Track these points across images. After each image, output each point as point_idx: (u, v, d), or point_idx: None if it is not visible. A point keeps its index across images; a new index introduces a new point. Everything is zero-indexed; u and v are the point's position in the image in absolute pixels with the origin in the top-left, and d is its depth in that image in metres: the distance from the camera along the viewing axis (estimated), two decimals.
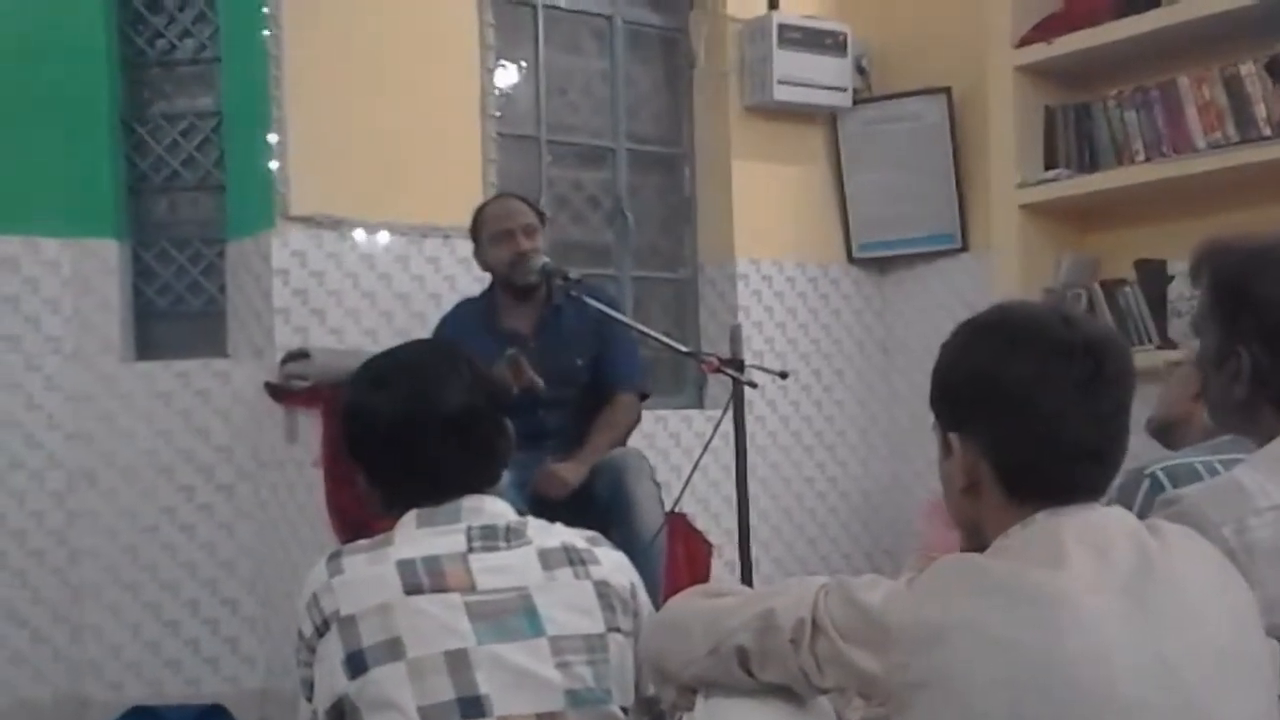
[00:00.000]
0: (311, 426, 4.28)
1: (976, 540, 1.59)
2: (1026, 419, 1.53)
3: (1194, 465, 2.22)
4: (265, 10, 4.43)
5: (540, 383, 3.68)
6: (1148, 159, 4.67)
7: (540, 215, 4.05)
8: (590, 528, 2.11)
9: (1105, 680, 1.42)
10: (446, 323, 4.08)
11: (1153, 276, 4.73)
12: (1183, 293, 4.57)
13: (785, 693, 1.60)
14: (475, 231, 4.05)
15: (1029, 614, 1.43)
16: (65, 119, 4.51)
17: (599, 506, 3.69)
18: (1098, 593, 1.45)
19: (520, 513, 2.05)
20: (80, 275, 4.54)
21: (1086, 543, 1.49)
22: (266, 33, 4.43)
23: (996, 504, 1.57)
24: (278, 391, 4.38)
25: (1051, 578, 1.46)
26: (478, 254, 4.05)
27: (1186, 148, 4.58)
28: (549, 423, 3.87)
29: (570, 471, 3.76)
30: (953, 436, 1.60)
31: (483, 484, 2.02)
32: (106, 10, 4.63)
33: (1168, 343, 4.59)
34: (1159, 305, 4.70)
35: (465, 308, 4.12)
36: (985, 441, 1.57)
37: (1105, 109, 4.80)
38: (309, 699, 1.96)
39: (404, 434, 1.99)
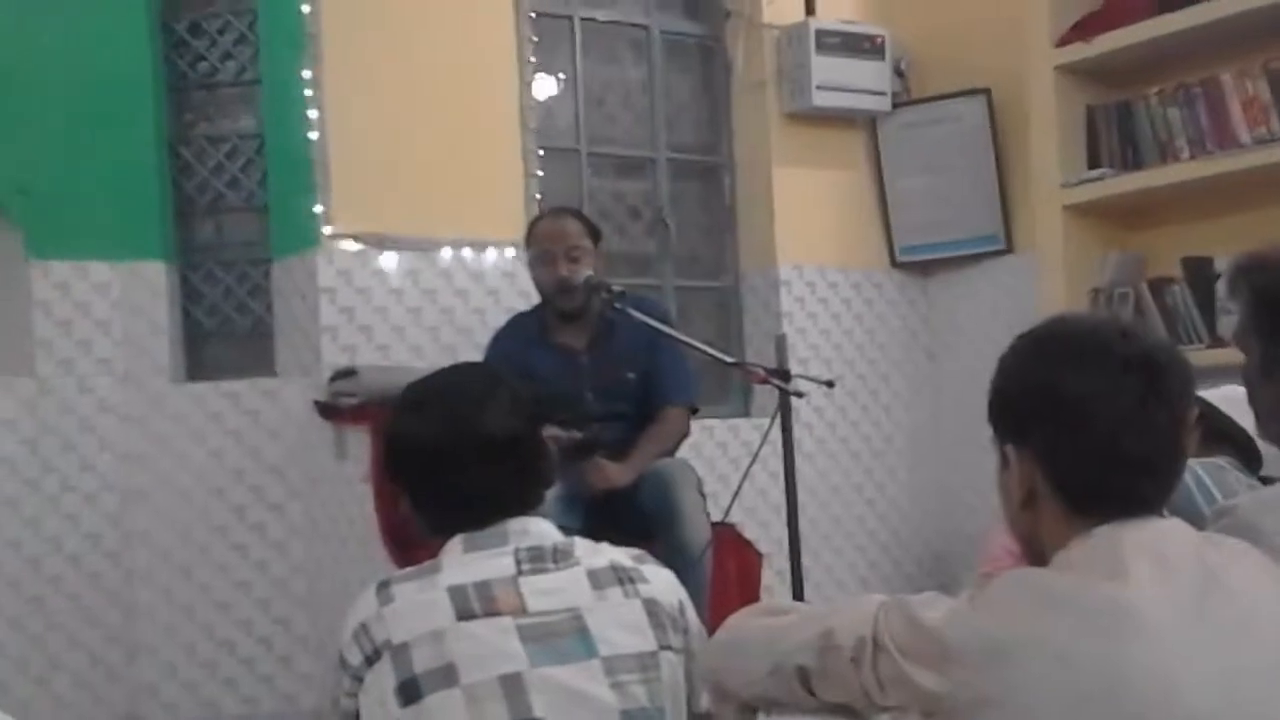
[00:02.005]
0: (360, 443, 4.30)
1: (1035, 554, 1.59)
2: (1085, 432, 1.52)
3: None
4: (305, 31, 4.47)
5: (589, 434, 3.74)
6: (1192, 156, 4.63)
7: (594, 233, 4.03)
8: (637, 538, 2.10)
9: (1170, 694, 1.41)
10: (501, 337, 4.09)
11: (1200, 274, 4.69)
12: None
13: (846, 712, 1.60)
14: (527, 245, 4.08)
15: (1093, 628, 1.43)
16: (111, 144, 4.56)
17: (646, 517, 3.70)
18: (1161, 606, 1.44)
19: (566, 529, 2.05)
20: (129, 298, 4.59)
21: (1148, 556, 1.48)
22: (306, 53, 4.47)
23: (1055, 517, 1.56)
24: (326, 409, 4.41)
25: (1114, 591, 1.45)
26: (529, 266, 4.07)
27: (1231, 143, 4.54)
28: (601, 436, 3.88)
29: (616, 470, 3.77)
30: (1010, 449, 1.59)
31: (526, 505, 2.02)
32: (150, 36, 4.68)
33: (1217, 340, 4.54)
34: (1207, 303, 4.66)
35: (519, 322, 4.13)
36: (1043, 455, 1.56)
37: (1148, 106, 4.76)
38: None
39: (445, 459, 1.99)
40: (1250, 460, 2.55)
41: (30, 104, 4.46)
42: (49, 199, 4.48)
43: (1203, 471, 2.38)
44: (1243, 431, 2.55)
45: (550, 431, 3.66)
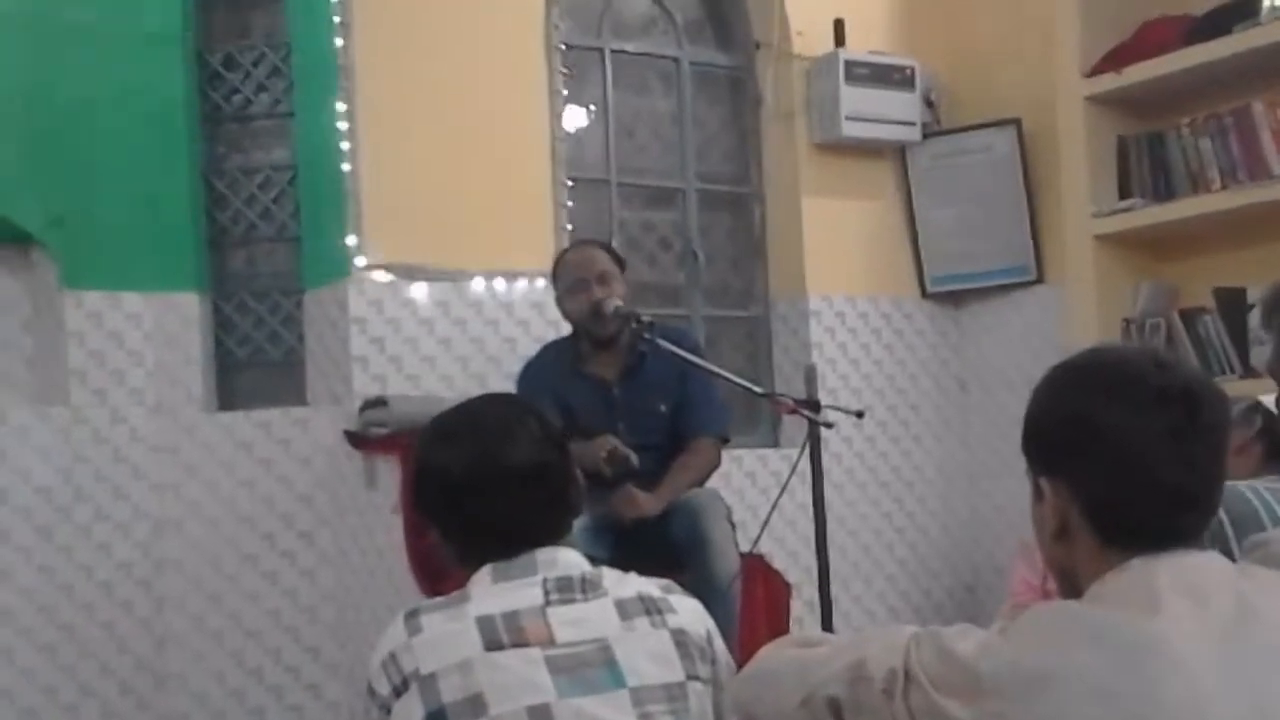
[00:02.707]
0: (390, 473, 4.31)
1: (1070, 586, 1.58)
2: (1120, 465, 1.52)
3: (1239, 489, 2.23)
4: (337, 64, 4.50)
5: (635, 460, 3.72)
6: (1223, 186, 4.62)
7: (618, 260, 4.05)
8: (666, 568, 2.10)
9: None
10: (532, 367, 4.11)
11: (1232, 304, 4.67)
12: None
13: None
14: (555, 280, 4.08)
15: (1127, 662, 1.42)
16: (145, 175, 4.60)
17: (675, 546, 3.69)
18: (1196, 640, 1.43)
19: (594, 558, 2.05)
20: (162, 328, 4.62)
21: (1183, 589, 1.47)
22: (339, 86, 4.50)
23: (1090, 549, 1.55)
24: (356, 439, 4.43)
25: (1149, 625, 1.44)
26: (558, 301, 4.08)
27: (1263, 174, 4.52)
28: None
29: (647, 500, 3.77)
30: (1044, 481, 1.58)
31: (555, 535, 2.02)
32: (185, 68, 4.73)
33: (1250, 372, 4.52)
34: (1239, 333, 4.64)
35: (550, 351, 4.14)
36: (1078, 487, 1.55)
37: (1179, 137, 4.75)
38: None
39: (473, 490, 1.99)
40: None
41: (65, 135, 4.50)
42: (83, 229, 4.52)
43: (1270, 495, 2.36)
44: None
45: (611, 443, 3.69)
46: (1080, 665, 1.42)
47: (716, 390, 4.05)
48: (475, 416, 2.09)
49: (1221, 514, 1.83)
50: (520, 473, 1.99)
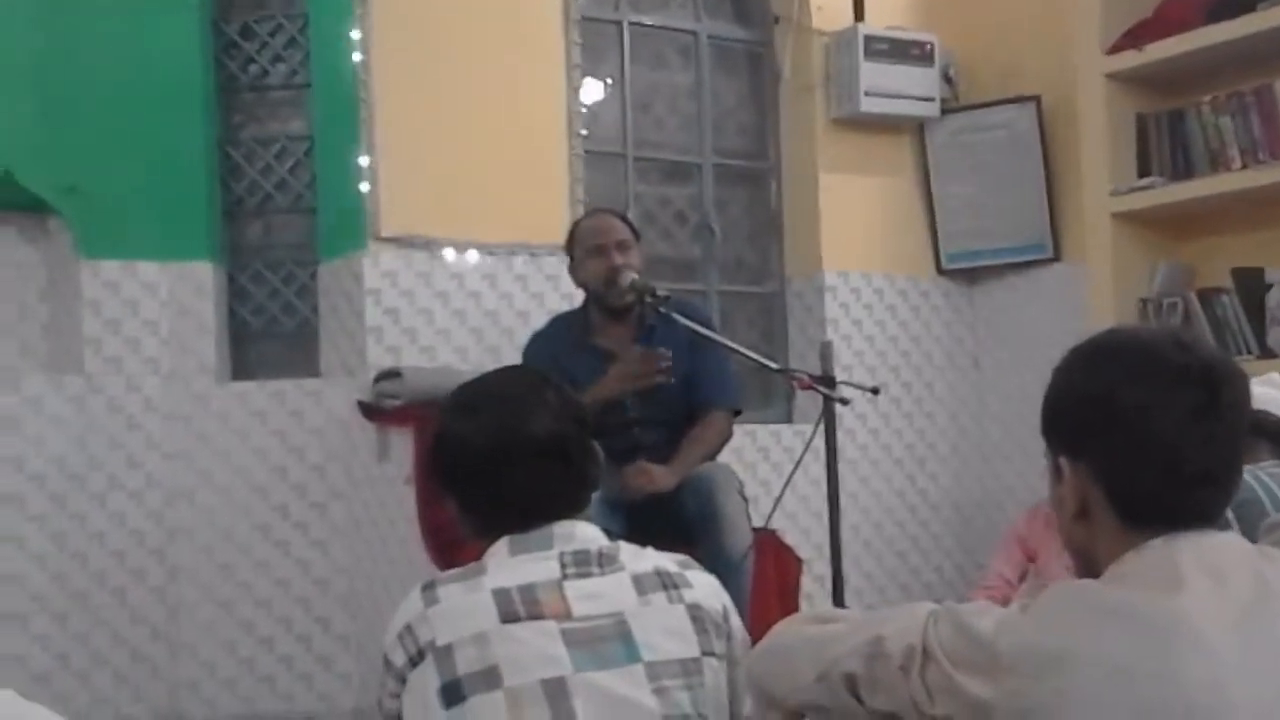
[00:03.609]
0: (403, 445, 4.32)
1: (1089, 566, 1.57)
2: (1140, 445, 1.51)
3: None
4: (355, 35, 4.49)
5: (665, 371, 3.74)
6: (1244, 165, 4.59)
7: (634, 231, 4.04)
8: (678, 542, 2.09)
9: (1224, 708, 1.39)
10: (540, 338, 4.10)
11: (1250, 285, 4.64)
12: None
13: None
14: (570, 247, 4.06)
15: (1146, 641, 1.41)
16: (162, 144, 4.60)
17: (688, 521, 3.69)
18: (1216, 620, 1.43)
19: (609, 533, 2.05)
20: (177, 298, 4.62)
21: (1203, 569, 1.47)
22: (356, 57, 4.49)
23: (1110, 530, 1.55)
24: (370, 410, 4.43)
25: (1169, 604, 1.43)
26: (572, 270, 4.06)
27: None
28: (643, 440, 3.88)
29: (662, 473, 3.76)
30: (1064, 462, 1.58)
31: (573, 509, 2.02)
32: (201, 38, 4.72)
33: (1267, 352, 4.50)
34: (1257, 314, 4.61)
35: (559, 323, 4.13)
36: (1098, 467, 1.55)
37: (1199, 115, 4.72)
38: None
39: (494, 462, 2.00)
40: None
41: (81, 104, 4.50)
42: (99, 198, 4.52)
43: (1273, 481, 2.35)
44: (1277, 422, 2.53)
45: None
46: (1099, 644, 1.42)
47: (728, 363, 4.04)
48: (496, 389, 2.09)
49: None
50: (540, 446, 2.00)
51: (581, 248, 3.99)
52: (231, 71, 4.84)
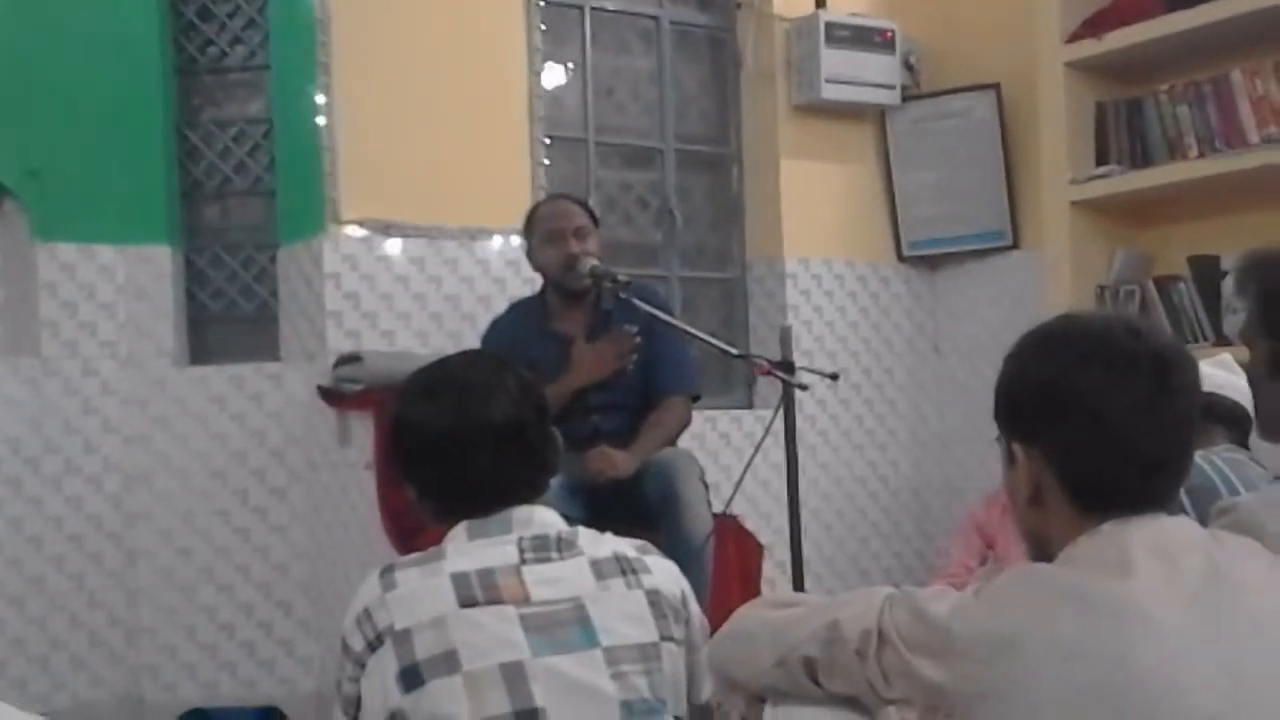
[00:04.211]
0: (363, 429, 4.30)
1: (1042, 551, 1.58)
2: (1093, 430, 1.52)
3: (1196, 460, 2.23)
4: (314, 16, 4.46)
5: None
6: (1201, 154, 4.62)
7: (593, 217, 4.03)
8: (639, 527, 2.10)
9: (1175, 690, 1.41)
10: (498, 325, 4.08)
11: (1206, 273, 4.68)
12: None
13: (852, 703, 1.59)
14: (528, 231, 4.05)
15: (1098, 624, 1.43)
16: (119, 127, 4.56)
17: (648, 507, 3.68)
18: (1167, 603, 1.44)
19: (569, 518, 2.05)
20: (134, 281, 4.59)
21: (1155, 553, 1.48)
22: (316, 39, 4.46)
23: (1062, 515, 1.56)
24: (330, 395, 4.41)
25: (1121, 587, 1.45)
26: (529, 254, 4.05)
27: (1240, 142, 4.52)
28: (602, 426, 3.88)
29: (623, 458, 3.76)
30: (1017, 447, 1.59)
31: (531, 494, 2.03)
32: (159, 18, 4.68)
33: (1222, 340, 4.53)
34: (1213, 302, 4.65)
35: (517, 309, 4.12)
36: (1050, 452, 1.56)
37: (1157, 104, 4.75)
38: (349, 714, 1.95)
39: (452, 447, 1.99)
40: (1244, 436, 2.55)
41: (39, 86, 4.45)
42: (56, 181, 4.48)
43: (1226, 466, 2.38)
44: (1237, 406, 2.55)
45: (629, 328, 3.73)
46: (1050, 627, 1.43)
47: (687, 349, 4.04)
48: (454, 373, 2.08)
49: None
50: (498, 430, 1.99)
51: (538, 233, 3.98)
52: (190, 53, 4.80)
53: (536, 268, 4.05)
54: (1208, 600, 1.46)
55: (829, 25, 5.25)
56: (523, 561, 1.93)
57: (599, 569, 1.96)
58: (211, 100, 4.85)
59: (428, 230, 4.60)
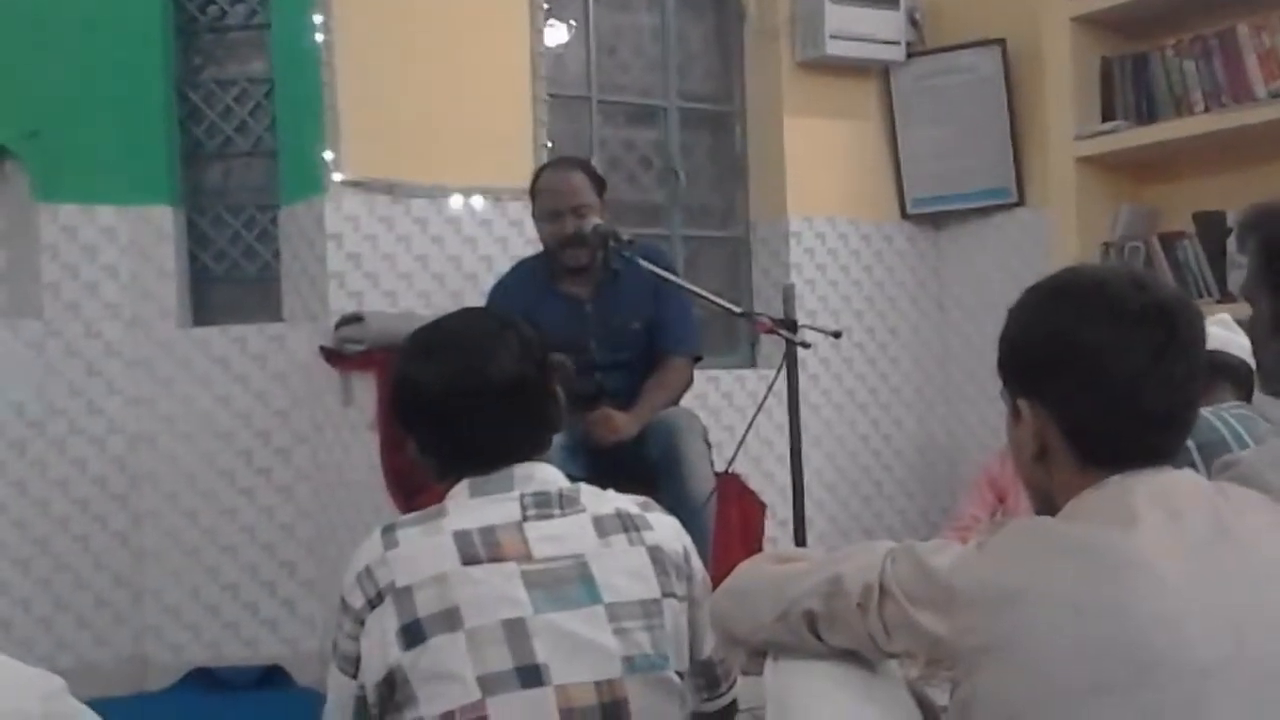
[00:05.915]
0: (366, 389, 4.30)
1: (1047, 506, 1.58)
2: (1099, 384, 1.51)
3: (1206, 416, 2.26)
4: None
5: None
6: (1207, 109, 4.59)
7: (599, 184, 3.98)
8: (641, 486, 2.10)
9: (1178, 642, 1.40)
10: (504, 286, 4.07)
11: (1211, 229, 4.65)
12: None
13: (854, 657, 1.60)
14: (531, 196, 4.03)
15: (1101, 576, 1.42)
16: (120, 87, 4.54)
17: (651, 466, 3.69)
18: (1171, 555, 1.44)
19: (571, 477, 2.05)
20: (137, 242, 4.58)
21: (1159, 505, 1.48)
22: None
23: (1068, 469, 1.55)
24: (332, 355, 4.41)
25: (1124, 540, 1.44)
26: (534, 217, 4.04)
27: (1246, 97, 4.49)
28: (606, 385, 3.88)
29: (625, 420, 3.76)
30: (1022, 403, 1.58)
31: (533, 451, 2.02)
32: None
33: (1227, 296, 4.52)
34: (1218, 258, 4.63)
35: (522, 270, 4.10)
36: (1056, 407, 1.55)
37: (1163, 59, 4.71)
38: (347, 672, 1.94)
39: (453, 404, 1.99)
40: (1248, 393, 2.55)
41: (39, 47, 4.43)
42: (57, 142, 4.46)
43: (1236, 422, 2.37)
44: (1242, 363, 2.55)
45: (558, 357, 3.68)
46: (1052, 579, 1.43)
47: (690, 308, 4.04)
48: (455, 331, 2.08)
49: (1189, 441, 1.84)
50: (500, 387, 1.98)
51: (538, 206, 3.95)
52: (190, 13, 4.78)
53: (539, 235, 4.03)
54: (1212, 553, 1.46)
55: None
56: (525, 518, 1.93)
57: (601, 525, 1.96)
58: (212, 60, 4.83)
59: (430, 190, 4.58)
